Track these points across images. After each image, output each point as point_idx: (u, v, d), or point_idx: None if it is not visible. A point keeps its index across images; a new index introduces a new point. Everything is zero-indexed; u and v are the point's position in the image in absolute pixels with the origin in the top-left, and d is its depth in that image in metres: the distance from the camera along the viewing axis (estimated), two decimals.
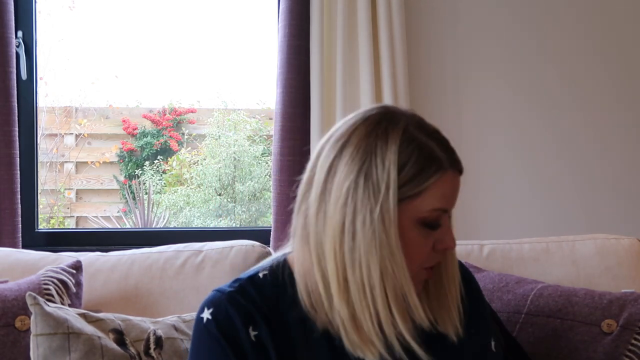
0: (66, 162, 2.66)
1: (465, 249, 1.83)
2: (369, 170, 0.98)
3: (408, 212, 0.99)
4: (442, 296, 1.07)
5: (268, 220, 3.29)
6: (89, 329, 1.79)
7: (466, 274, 1.18)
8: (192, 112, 2.73)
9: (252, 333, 1.02)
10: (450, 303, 1.07)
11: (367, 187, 0.98)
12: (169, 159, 2.76)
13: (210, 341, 1.02)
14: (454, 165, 1.02)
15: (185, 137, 2.77)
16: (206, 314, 1.03)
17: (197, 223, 2.75)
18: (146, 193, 2.70)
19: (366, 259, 0.97)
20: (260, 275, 1.08)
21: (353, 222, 0.97)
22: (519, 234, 1.98)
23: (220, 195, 3.11)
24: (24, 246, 2.27)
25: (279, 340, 1.03)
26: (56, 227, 2.64)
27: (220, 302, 1.03)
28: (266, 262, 1.11)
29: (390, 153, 0.99)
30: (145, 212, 2.72)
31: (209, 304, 1.04)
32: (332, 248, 0.98)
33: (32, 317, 1.77)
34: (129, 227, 2.72)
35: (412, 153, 0.99)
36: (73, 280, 1.98)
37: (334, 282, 0.98)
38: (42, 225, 2.46)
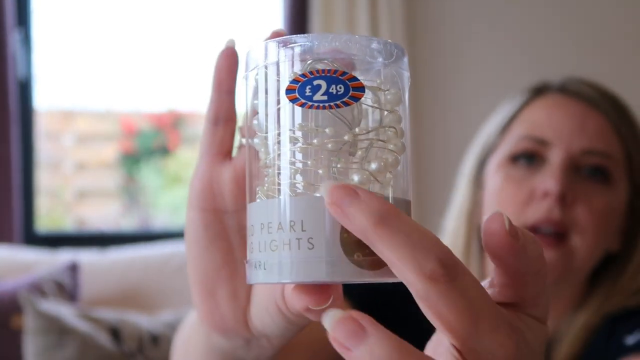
0: (65, 162, 2.65)
1: None
2: None
3: None
4: None
5: None
6: (83, 326, 1.78)
7: None
8: (191, 112, 2.72)
9: None
10: None
11: None
12: (168, 159, 2.76)
13: None
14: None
15: (185, 137, 2.76)
16: None
17: None
18: (145, 193, 2.70)
19: None
20: None
21: None
22: None
23: None
24: (23, 247, 2.27)
25: None
26: (55, 227, 2.64)
27: None
28: None
29: None
30: (144, 212, 2.71)
31: None
32: None
33: (26, 315, 1.76)
34: (128, 227, 2.71)
35: None
36: (70, 280, 1.97)
37: None
38: (41, 226, 2.46)
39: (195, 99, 2.60)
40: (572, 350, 0.87)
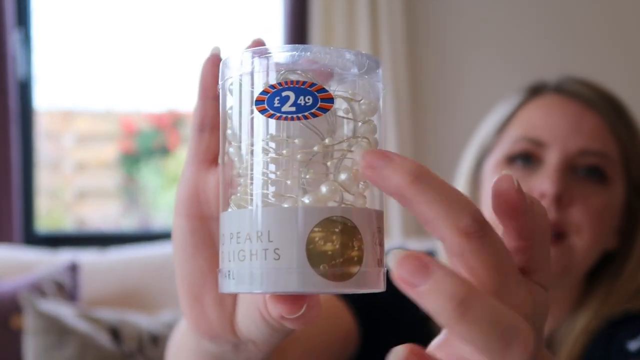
0: (65, 162, 2.66)
1: None
2: None
3: None
4: None
5: None
6: (83, 326, 1.79)
7: None
8: (191, 112, 2.73)
9: None
10: None
11: None
12: (167, 159, 2.76)
13: None
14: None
15: (185, 137, 2.76)
16: None
17: None
18: (145, 193, 2.70)
19: None
20: None
21: None
22: None
23: None
24: (23, 247, 2.27)
25: None
26: (55, 227, 2.64)
27: None
28: None
29: None
30: (144, 212, 2.71)
31: None
32: None
33: (26, 315, 1.77)
34: (128, 227, 2.72)
35: None
36: (70, 280, 1.98)
37: None
38: (41, 226, 2.46)
39: (195, 99, 2.60)
40: (571, 354, 0.86)
